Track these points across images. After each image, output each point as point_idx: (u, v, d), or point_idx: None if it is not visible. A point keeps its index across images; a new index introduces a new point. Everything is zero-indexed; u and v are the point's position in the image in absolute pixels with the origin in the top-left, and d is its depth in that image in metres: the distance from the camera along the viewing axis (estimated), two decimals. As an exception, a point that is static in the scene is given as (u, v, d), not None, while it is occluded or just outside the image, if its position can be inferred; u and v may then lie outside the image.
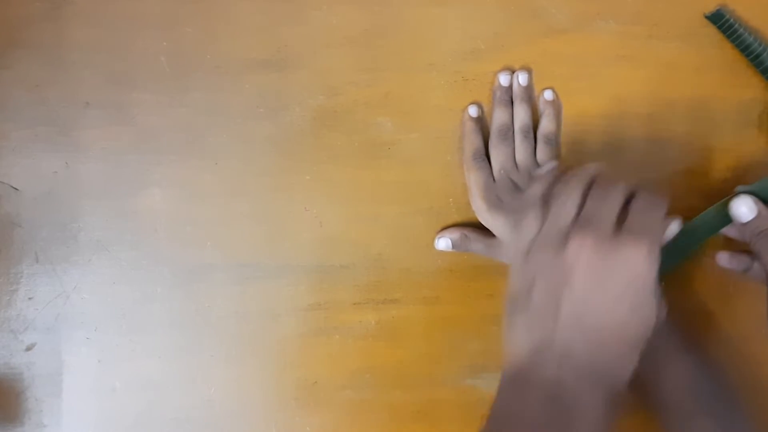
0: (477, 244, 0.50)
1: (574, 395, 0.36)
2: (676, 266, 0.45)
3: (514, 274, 0.40)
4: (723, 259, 0.47)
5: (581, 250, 0.37)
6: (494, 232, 0.50)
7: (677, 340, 0.47)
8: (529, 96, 0.52)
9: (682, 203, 0.44)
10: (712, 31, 0.52)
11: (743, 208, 0.41)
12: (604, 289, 0.36)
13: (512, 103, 0.52)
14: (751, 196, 0.41)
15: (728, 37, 0.51)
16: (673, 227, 0.41)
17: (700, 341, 0.47)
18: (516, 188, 0.49)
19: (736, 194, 0.43)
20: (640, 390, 0.49)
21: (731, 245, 0.47)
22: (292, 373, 0.53)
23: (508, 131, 0.51)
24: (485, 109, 0.52)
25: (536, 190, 0.42)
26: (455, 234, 0.51)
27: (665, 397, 0.46)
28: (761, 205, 0.41)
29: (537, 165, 0.50)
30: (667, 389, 0.46)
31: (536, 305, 0.38)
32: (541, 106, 0.52)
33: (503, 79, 0.51)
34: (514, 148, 0.51)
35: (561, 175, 0.42)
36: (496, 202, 0.49)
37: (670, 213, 0.41)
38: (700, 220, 0.44)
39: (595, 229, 0.37)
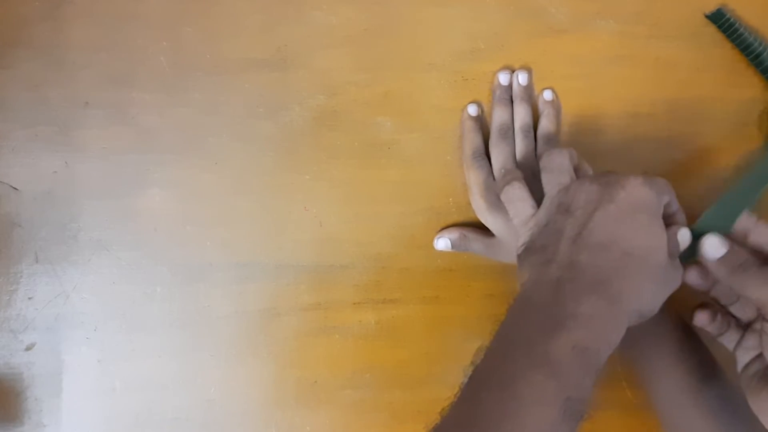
0: (476, 243, 0.50)
1: (569, 306, 0.35)
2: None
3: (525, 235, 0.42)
4: (701, 320, 0.44)
5: (580, 184, 0.40)
6: (494, 231, 0.50)
7: (677, 340, 0.47)
8: (529, 95, 0.52)
9: (682, 204, 0.44)
10: (712, 30, 0.52)
11: (714, 246, 0.40)
12: (605, 211, 0.38)
13: (512, 102, 0.52)
14: (718, 235, 0.40)
15: (728, 36, 0.51)
16: (684, 234, 0.41)
17: (700, 341, 0.47)
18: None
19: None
20: (640, 389, 0.49)
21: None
22: (292, 373, 0.53)
23: (509, 130, 0.51)
24: (485, 108, 0.52)
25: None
26: (454, 234, 0.51)
27: (665, 397, 0.46)
28: (730, 239, 0.40)
29: (537, 165, 0.50)
30: (667, 389, 0.46)
31: (542, 242, 0.40)
32: (541, 106, 0.52)
33: (503, 78, 0.51)
34: (514, 147, 0.51)
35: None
36: (496, 202, 0.49)
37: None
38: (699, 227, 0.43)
39: (592, 175, 0.41)
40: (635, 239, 0.37)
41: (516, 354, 0.35)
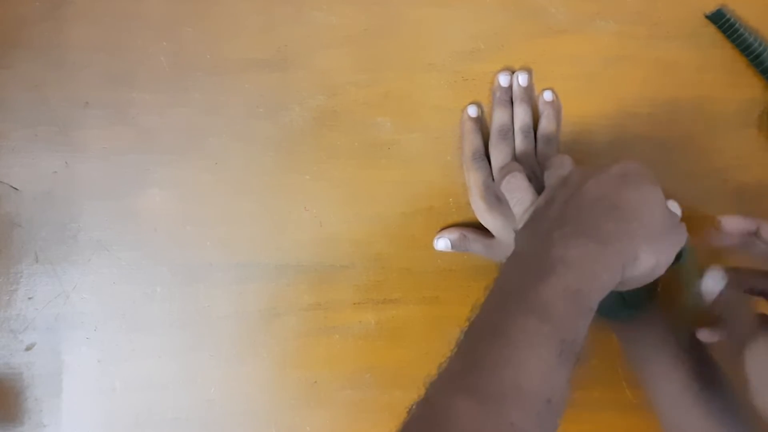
0: (476, 244, 0.50)
1: (557, 250, 0.36)
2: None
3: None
4: (704, 335, 0.45)
5: (578, 169, 0.42)
6: (493, 232, 0.50)
7: (675, 340, 0.47)
8: (529, 96, 0.51)
9: (682, 204, 0.44)
10: (712, 31, 0.52)
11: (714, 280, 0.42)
12: (597, 178, 0.39)
13: (512, 103, 0.52)
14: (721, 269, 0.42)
15: (728, 37, 0.51)
16: (673, 204, 0.42)
17: (700, 342, 0.47)
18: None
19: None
20: (639, 389, 0.49)
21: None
22: (292, 373, 0.53)
23: (508, 131, 0.51)
24: (485, 109, 0.52)
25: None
26: (454, 234, 0.51)
27: (665, 398, 0.46)
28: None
29: (537, 165, 0.50)
30: (665, 389, 0.46)
31: (537, 215, 0.41)
32: (541, 106, 0.52)
33: (503, 80, 0.51)
34: (514, 148, 0.51)
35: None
36: (495, 203, 0.49)
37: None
38: None
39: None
40: (625, 194, 0.38)
41: (509, 302, 0.35)
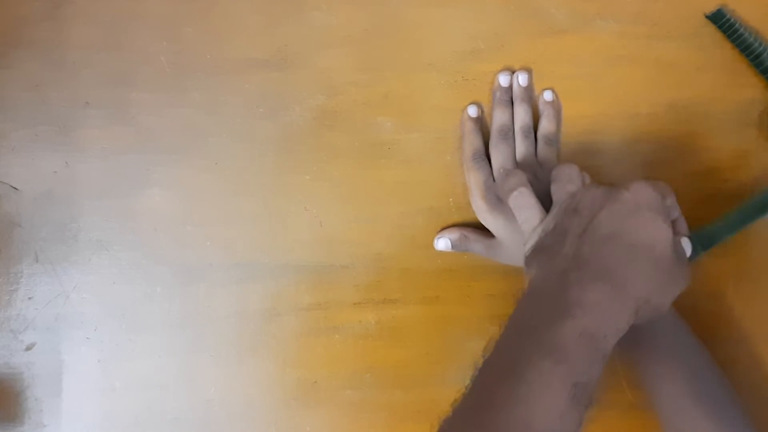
0: (476, 244, 0.50)
1: (574, 293, 0.36)
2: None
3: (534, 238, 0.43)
4: None
5: (587, 189, 0.42)
6: (494, 232, 0.50)
7: (678, 342, 0.47)
8: (529, 96, 0.51)
9: (682, 204, 0.44)
10: (712, 31, 0.52)
11: None
12: (610, 209, 0.39)
13: (512, 103, 0.52)
14: None
15: (728, 37, 0.51)
16: (686, 243, 0.41)
17: (700, 343, 0.47)
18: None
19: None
20: (640, 390, 0.49)
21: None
22: (292, 373, 0.53)
23: (509, 131, 0.51)
24: (485, 109, 0.52)
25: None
26: (454, 234, 0.51)
27: (665, 398, 0.46)
28: None
29: (538, 165, 0.50)
30: (667, 390, 0.46)
31: (549, 242, 0.40)
32: (541, 106, 0.52)
33: (503, 80, 0.51)
34: (514, 148, 0.51)
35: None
36: (496, 203, 0.49)
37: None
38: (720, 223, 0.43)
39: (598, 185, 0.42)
40: (639, 232, 0.38)
41: (525, 342, 0.35)
